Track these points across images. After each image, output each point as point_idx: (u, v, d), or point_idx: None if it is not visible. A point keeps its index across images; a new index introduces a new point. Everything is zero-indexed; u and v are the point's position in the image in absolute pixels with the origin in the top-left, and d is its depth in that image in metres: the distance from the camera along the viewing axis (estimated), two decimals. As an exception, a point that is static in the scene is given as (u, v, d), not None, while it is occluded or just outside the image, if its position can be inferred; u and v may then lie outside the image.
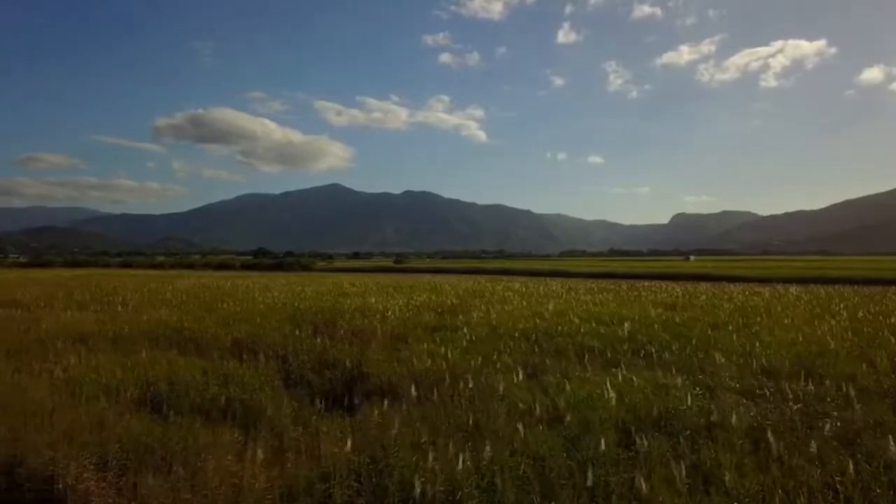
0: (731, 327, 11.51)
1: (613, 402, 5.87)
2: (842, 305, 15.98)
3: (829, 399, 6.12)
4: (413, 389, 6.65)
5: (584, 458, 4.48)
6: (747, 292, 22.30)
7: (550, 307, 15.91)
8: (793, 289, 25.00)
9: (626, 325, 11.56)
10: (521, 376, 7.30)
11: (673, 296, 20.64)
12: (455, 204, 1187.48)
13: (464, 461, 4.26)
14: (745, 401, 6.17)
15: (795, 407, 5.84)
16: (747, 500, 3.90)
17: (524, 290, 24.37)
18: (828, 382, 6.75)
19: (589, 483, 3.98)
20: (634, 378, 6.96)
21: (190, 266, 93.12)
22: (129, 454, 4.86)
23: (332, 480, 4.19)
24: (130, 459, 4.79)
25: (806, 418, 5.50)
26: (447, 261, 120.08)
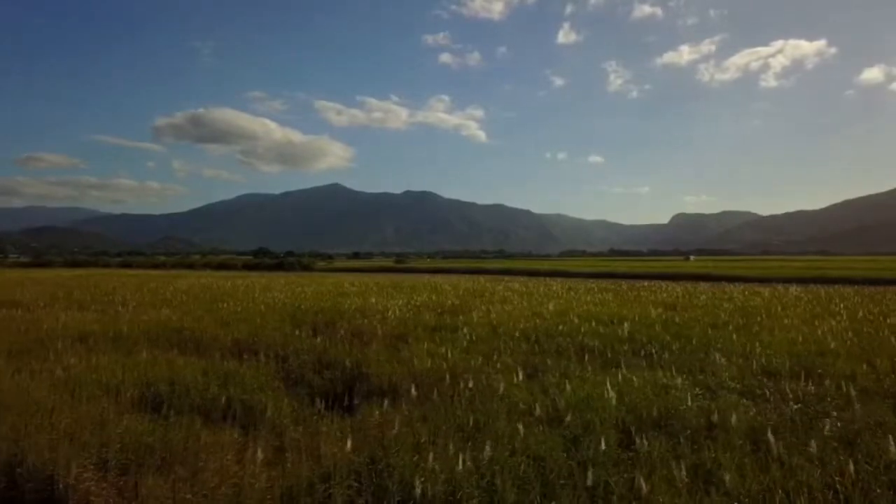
0: (731, 327, 11.53)
1: (613, 402, 5.86)
2: (842, 305, 15.99)
3: (829, 399, 6.12)
4: (413, 389, 6.64)
5: (585, 459, 4.49)
6: (747, 292, 22.32)
7: (550, 307, 15.92)
8: (793, 289, 25.02)
9: (627, 325, 11.58)
10: (521, 376, 7.30)
11: (673, 296, 20.65)
12: (455, 204, 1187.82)
13: (464, 461, 4.25)
14: (745, 401, 6.17)
15: (795, 407, 5.84)
16: (748, 500, 3.90)
17: (524, 289, 24.39)
18: (828, 382, 6.75)
19: (589, 483, 3.98)
20: (635, 378, 6.95)
21: (190, 266, 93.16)
22: (129, 454, 4.86)
23: (333, 480, 4.19)
24: (131, 459, 4.80)
25: (806, 418, 5.50)
26: (447, 261, 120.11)
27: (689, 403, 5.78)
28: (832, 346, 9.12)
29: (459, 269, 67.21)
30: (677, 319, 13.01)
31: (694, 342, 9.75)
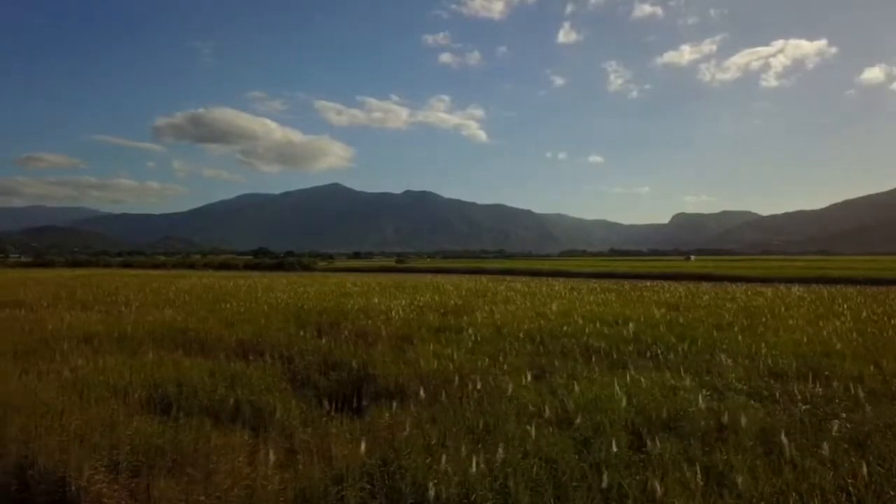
0: (735, 328, 11.51)
1: (623, 403, 5.86)
2: (845, 306, 15.99)
3: (837, 401, 6.11)
4: (421, 391, 6.64)
5: (597, 461, 4.49)
6: (750, 292, 22.31)
7: (554, 307, 15.90)
8: (795, 289, 25.01)
9: (631, 325, 11.55)
10: (528, 377, 7.30)
11: (676, 296, 20.64)
12: (455, 204, 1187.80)
13: (477, 463, 4.25)
14: (753, 402, 6.17)
15: (804, 408, 5.84)
16: (761, 502, 3.90)
17: (526, 290, 24.38)
18: (835, 384, 6.75)
19: (604, 485, 3.98)
20: (642, 379, 6.95)
21: (191, 266, 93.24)
22: (140, 456, 4.86)
23: (345, 482, 4.20)
24: (142, 461, 4.80)
25: (815, 420, 5.50)
26: (448, 261, 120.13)
27: (700, 405, 5.78)
28: (838, 346, 9.11)
29: (460, 268, 67.21)
30: (681, 320, 12.99)
31: (699, 343, 9.74)
